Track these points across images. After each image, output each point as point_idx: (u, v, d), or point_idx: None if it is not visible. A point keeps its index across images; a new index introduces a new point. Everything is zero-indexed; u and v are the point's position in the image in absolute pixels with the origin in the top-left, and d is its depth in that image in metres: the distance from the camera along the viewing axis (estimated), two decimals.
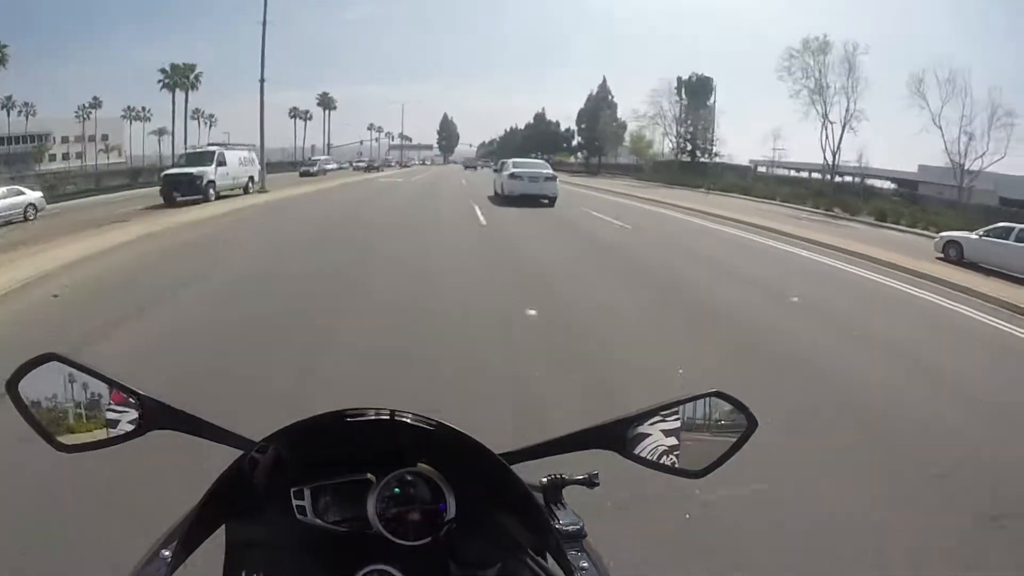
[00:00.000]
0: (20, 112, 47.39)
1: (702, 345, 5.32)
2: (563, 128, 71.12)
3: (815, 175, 38.61)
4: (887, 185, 36.15)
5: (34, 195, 17.38)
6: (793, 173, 41.97)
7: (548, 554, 0.72)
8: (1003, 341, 6.46)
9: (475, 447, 0.70)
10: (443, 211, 16.86)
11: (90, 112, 53.34)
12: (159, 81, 50.88)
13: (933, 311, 7.68)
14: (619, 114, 57.20)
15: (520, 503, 0.72)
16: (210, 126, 63.07)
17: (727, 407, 0.75)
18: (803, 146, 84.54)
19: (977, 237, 12.69)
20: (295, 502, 0.71)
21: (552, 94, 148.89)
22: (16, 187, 17.56)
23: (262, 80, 21.89)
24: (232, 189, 20.57)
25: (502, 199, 19.26)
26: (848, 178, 37.89)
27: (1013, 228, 12.13)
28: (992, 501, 2.88)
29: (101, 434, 0.72)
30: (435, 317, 5.76)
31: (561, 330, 5.48)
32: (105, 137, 53.96)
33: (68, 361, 0.71)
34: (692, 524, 2.51)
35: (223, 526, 0.72)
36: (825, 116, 34.99)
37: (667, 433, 0.74)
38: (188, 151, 24.50)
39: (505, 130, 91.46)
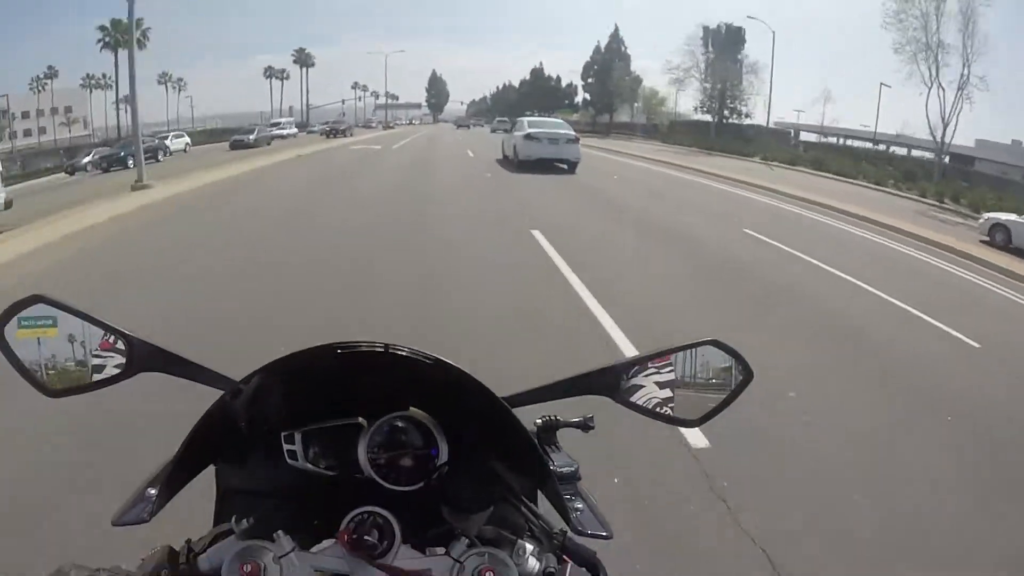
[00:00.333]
0: None
1: None
2: (564, 84, 65.03)
3: (868, 144, 33.07)
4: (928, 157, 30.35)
5: None
6: (843, 142, 36.30)
7: (543, 495, 0.71)
8: None
9: (476, 387, 0.64)
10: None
11: (45, 83, 46.16)
12: (99, 40, 43.69)
13: None
14: (632, 67, 51.22)
15: (518, 446, 0.68)
16: (179, 91, 56.58)
17: (722, 356, 0.70)
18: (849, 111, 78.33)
19: None
20: (286, 446, 0.67)
21: (550, 47, 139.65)
22: None
23: (131, 14, 13.47)
24: None
25: (517, 167, 15.77)
26: (894, 149, 32.66)
27: None
28: None
29: (88, 377, 0.67)
30: None
31: None
32: (69, 109, 46.98)
33: (55, 303, 0.66)
34: None
35: (211, 467, 0.70)
36: (935, 79, 24.71)
37: (662, 384, 0.70)
38: None
39: (498, 87, 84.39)
